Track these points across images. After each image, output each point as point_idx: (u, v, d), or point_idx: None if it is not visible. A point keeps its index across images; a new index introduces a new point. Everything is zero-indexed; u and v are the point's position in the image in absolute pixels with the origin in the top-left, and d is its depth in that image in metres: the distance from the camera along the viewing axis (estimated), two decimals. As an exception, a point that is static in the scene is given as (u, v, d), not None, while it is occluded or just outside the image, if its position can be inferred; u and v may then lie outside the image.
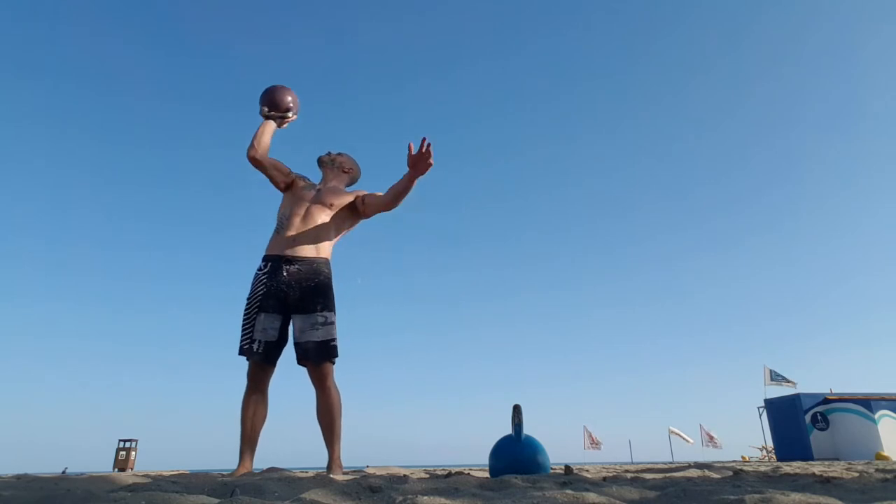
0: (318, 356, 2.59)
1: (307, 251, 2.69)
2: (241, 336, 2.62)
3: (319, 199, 2.81)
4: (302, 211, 2.77)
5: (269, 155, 2.88)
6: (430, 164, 2.62)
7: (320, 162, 3.02)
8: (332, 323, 2.65)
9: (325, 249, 2.76)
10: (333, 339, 2.63)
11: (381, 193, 2.85)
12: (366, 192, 2.92)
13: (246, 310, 2.65)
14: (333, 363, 2.64)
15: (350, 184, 3.06)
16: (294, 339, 2.64)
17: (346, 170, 3.02)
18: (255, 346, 2.58)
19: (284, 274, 2.63)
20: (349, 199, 2.87)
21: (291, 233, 2.70)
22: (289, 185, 2.92)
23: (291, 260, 2.66)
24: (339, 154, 3.04)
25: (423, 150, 2.59)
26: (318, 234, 2.74)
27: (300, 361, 2.62)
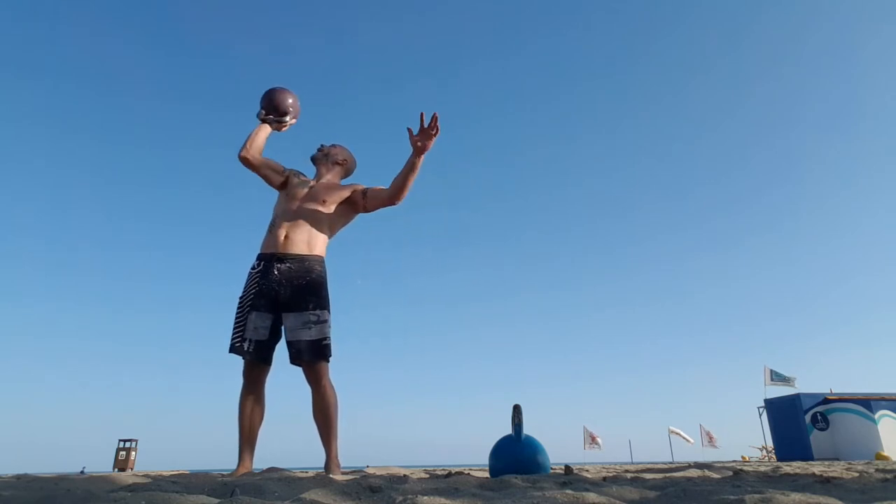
0: (311, 355, 2.54)
1: (300, 248, 2.66)
2: (233, 334, 2.60)
3: (313, 196, 2.77)
4: (294, 208, 2.73)
5: (262, 155, 2.85)
6: (437, 133, 2.58)
7: (313, 160, 2.97)
8: (325, 321, 2.60)
9: (318, 247, 2.72)
10: (326, 339, 2.57)
11: (383, 187, 2.81)
12: (365, 186, 2.87)
13: (238, 308, 2.64)
14: (328, 362, 2.60)
15: (345, 176, 3.01)
16: (286, 338, 2.60)
17: (340, 161, 2.95)
18: (245, 346, 2.56)
19: (275, 272, 2.61)
20: (345, 193, 2.82)
21: (283, 231, 2.67)
22: (284, 183, 2.87)
23: (283, 258, 2.64)
24: (332, 146, 2.98)
25: (431, 123, 2.59)
26: (311, 231, 2.70)
27: (293, 361, 2.58)
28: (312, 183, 2.85)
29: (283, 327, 2.63)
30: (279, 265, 2.62)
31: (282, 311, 2.62)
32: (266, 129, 2.88)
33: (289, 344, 2.59)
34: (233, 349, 2.58)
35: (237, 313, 2.64)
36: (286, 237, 2.66)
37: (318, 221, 2.73)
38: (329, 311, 2.66)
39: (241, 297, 2.66)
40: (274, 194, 2.91)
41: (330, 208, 2.77)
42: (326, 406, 2.56)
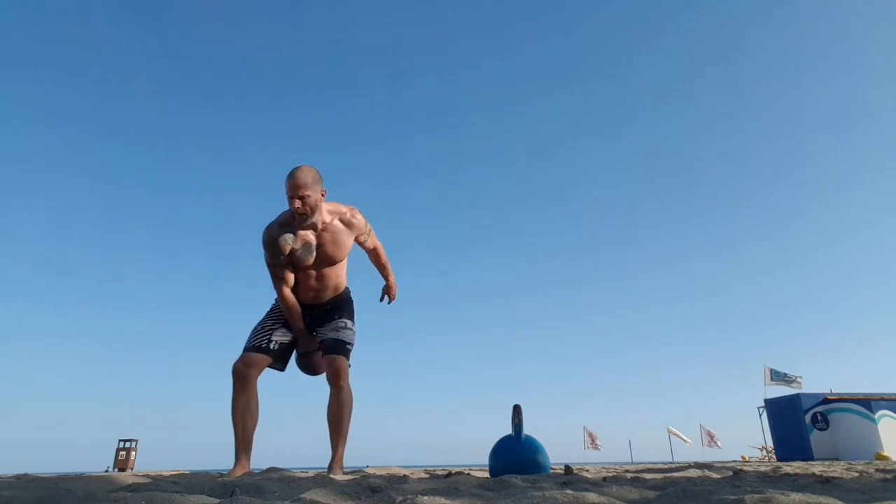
0: (334, 350, 2.68)
1: (329, 295, 2.81)
2: (257, 334, 2.68)
3: (326, 260, 2.67)
4: (314, 273, 2.70)
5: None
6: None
7: (299, 225, 2.59)
8: (351, 329, 2.79)
9: (342, 285, 2.87)
10: (350, 343, 2.75)
11: (378, 253, 2.97)
12: (366, 237, 2.81)
13: (268, 317, 2.75)
14: (348, 359, 2.70)
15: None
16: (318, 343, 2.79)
17: (319, 203, 2.57)
18: (271, 345, 2.66)
19: (307, 318, 2.77)
20: (350, 242, 2.75)
21: (312, 292, 2.75)
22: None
23: (314, 307, 2.79)
24: (302, 196, 2.45)
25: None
26: (335, 281, 2.80)
27: (323, 357, 2.72)
28: (314, 240, 2.61)
29: (315, 336, 2.80)
30: (312, 311, 2.79)
31: (315, 328, 2.80)
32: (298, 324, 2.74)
33: (320, 343, 2.76)
34: (254, 348, 2.63)
35: (263, 323, 2.74)
36: (315, 296, 2.77)
37: (337, 270, 2.80)
38: (354, 322, 2.84)
39: (272, 310, 2.78)
40: (280, 197, 2.87)
41: (343, 260, 2.82)
42: (341, 407, 2.62)
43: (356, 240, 2.78)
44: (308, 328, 2.78)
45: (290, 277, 2.65)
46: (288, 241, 2.56)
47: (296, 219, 2.53)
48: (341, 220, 2.66)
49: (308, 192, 2.47)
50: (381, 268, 3.04)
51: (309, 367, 2.84)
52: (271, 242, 2.56)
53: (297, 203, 2.46)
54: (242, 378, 2.58)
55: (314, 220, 2.56)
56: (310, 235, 2.59)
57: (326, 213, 2.62)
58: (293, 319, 2.69)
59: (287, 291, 2.65)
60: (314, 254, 2.61)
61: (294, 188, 2.45)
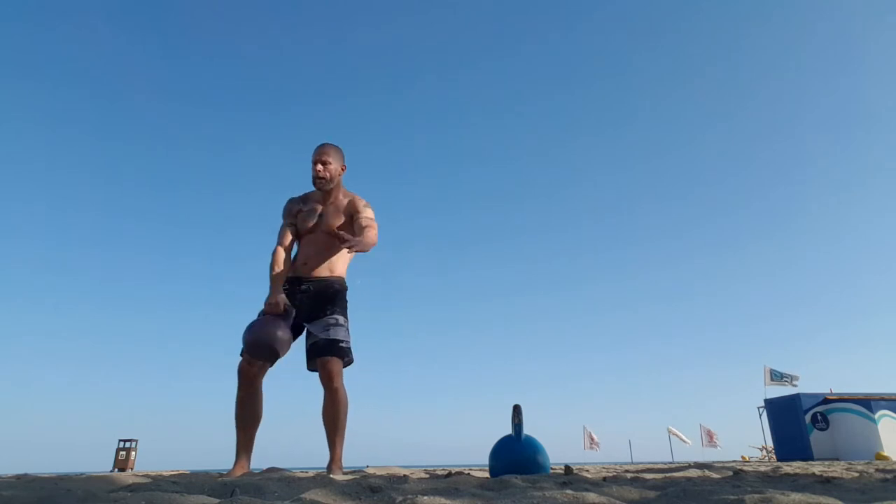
0: (326, 352, 2.62)
1: (322, 273, 2.79)
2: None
3: (324, 227, 2.81)
4: (311, 238, 2.83)
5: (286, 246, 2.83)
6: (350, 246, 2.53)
7: (319, 189, 2.89)
8: (343, 326, 2.71)
9: (339, 268, 2.85)
10: (343, 341, 2.67)
11: (369, 231, 2.74)
12: (359, 213, 2.81)
13: (258, 317, 2.70)
14: (343, 362, 2.65)
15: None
16: (306, 343, 2.72)
17: (339, 175, 2.90)
18: None
19: (298, 294, 2.73)
20: (347, 217, 2.84)
21: (304, 259, 2.79)
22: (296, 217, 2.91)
23: (305, 281, 2.76)
24: (324, 163, 2.81)
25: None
26: (330, 257, 2.81)
27: (309, 362, 2.68)
28: (320, 209, 2.86)
29: (305, 334, 2.74)
30: (303, 286, 2.75)
31: (304, 321, 2.73)
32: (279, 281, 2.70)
33: (309, 347, 2.69)
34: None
35: (259, 318, 2.68)
36: (306, 264, 2.78)
37: (334, 246, 2.79)
38: (346, 318, 2.76)
39: (261, 311, 2.73)
40: (282, 198, 3.00)
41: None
42: (336, 408, 2.60)
43: (354, 221, 2.78)
44: (291, 298, 2.66)
45: (288, 237, 2.84)
46: (299, 204, 2.90)
47: (315, 184, 2.83)
48: (352, 203, 2.86)
49: (330, 159, 2.83)
50: (359, 228, 2.71)
51: (261, 343, 2.51)
52: (288, 203, 2.94)
53: (319, 167, 2.81)
54: (247, 377, 2.59)
55: (330, 191, 2.84)
56: (318, 206, 2.87)
57: (343, 194, 2.90)
58: (274, 270, 2.71)
59: (279, 248, 2.80)
60: (316, 219, 2.83)
61: (319, 153, 2.83)
